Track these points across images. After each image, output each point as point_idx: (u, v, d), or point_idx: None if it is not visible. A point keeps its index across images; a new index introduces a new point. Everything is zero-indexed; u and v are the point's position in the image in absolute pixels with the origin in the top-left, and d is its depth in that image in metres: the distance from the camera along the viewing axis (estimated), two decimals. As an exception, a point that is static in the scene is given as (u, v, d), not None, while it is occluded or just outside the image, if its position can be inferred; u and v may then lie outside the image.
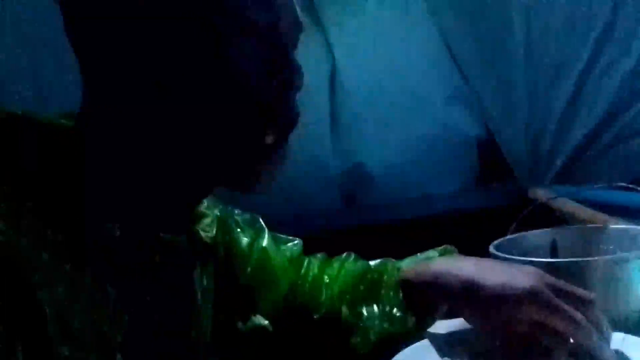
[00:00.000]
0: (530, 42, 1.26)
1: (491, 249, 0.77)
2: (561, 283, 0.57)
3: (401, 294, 0.63)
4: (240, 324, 0.65)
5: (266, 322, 0.66)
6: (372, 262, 0.69)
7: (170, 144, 0.47)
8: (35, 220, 0.42)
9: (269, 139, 0.48)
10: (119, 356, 0.44)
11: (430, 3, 1.33)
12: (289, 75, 0.48)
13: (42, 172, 0.45)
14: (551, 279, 0.57)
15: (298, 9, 0.50)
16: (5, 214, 0.41)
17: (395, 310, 0.63)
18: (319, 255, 0.74)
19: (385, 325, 0.63)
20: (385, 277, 0.65)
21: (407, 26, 1.35)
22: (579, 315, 0.54)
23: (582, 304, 0.55)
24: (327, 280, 0.69)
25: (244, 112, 0.47)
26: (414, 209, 1.28)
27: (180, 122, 0.46)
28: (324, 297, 0.68)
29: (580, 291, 0.56)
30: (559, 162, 1.32)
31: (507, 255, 0.73)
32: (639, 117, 1.22)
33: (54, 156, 0.46)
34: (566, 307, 0.54)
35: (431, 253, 0.69)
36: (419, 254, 0.70)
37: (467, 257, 0.65)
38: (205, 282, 0.56)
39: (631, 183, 0.87)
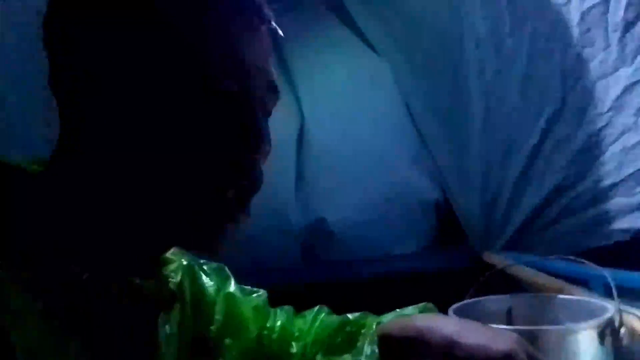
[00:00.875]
0: (487, 116, 1.33)
1: (450, 312, 0.80)
2: (536, 352, 0.60)
3: (378, 349, 0.63)
4: None
5: None
6: (350, 315, 0.68)
7: (134, 196, 0.48)
8: (7, 263, 0.42)
9: (230, 198, 0.49)
10: None
11: (395, 71, 1.40)
12: (256, 142, 0.49)
13: (11, 214, 0.45)
14: (528, 346, 0.59)
15: (274, 75, 0.51)
16: None
17: None
18: (285, 307, 0.74)
19: None
20: (364, 329, 0.65)
21: (374, 89, 1.41)
22: None
23: None
24: (298, 334, 0.69)
25: (207, 171, 0.48)
26: (373, 268, 1.31)
27: (145, 176, 0.48)
28: (295, 348, 0.68)
29: None
30: (510, 230, 1.38)
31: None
32: (585, 194, 1.29)
33: (23, 200, 0.47)
34: None
35: (411, 309, 0.70)
36: (398, 310, 0.70)
37: (447, 316, 0.66)
38: (168, 329, 0.56)
39: (578, 255, 0.93)
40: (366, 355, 0.63)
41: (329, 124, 1.37)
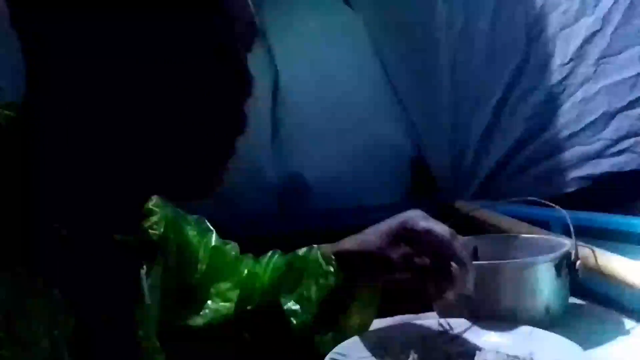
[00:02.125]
0: (455, 71, 1.36)
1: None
2: (422, 226, 0.65)
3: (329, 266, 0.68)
4: (188, 322, 0.68)
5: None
6: (299, 251, 0.72)
7: (119, 142, 0.46)
8: None
9: (220, 141, 0.49)
10: (66, 357, 0.43)
11: (369, 26, 1.41)
12: (242, 82, 0.49)
13: None
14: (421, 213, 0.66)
15: (254, 11, 0.50)
16: None
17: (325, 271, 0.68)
18: (249, 255, 0.77)
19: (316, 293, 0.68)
20: (310, 262, 0.69)
21: (348, 45, 1.43)
22: (448, 231, 0.63)
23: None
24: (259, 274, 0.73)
25: (195, 114, 0.47)
26: (347, 218, 1.35)
27: (129, 121, 0.46)
28: (256, 291, 0.71)
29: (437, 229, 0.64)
30: (479, 178, 1.43)
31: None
32: (548, 144, 1.34)
33: None
34: (434, 226, 0.63)
35: None
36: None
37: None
38: (151, 281, 0.56)
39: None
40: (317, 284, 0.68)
41: (303, 78, 1.39)
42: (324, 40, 1.42)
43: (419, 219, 0.65)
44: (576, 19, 1.24)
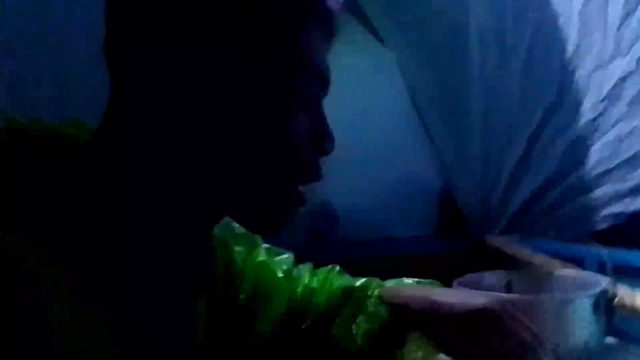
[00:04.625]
0: (487, 108, 1.37)
1: (454, 285, 0.85)
2: (516, 311, 0.60)
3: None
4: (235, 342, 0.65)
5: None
6: (357, 282, 0.69)
7: (193, 173, 0.47)
8: (43, 240, 0.41)
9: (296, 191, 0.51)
10: None
11: (401, 62, 1.43)
12: (328, 144, 0.51)
13: (48, 185, 0.44)
14: (508, 305, 0.60)
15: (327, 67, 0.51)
16: (17, 229, 0.40)
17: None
18: (306, 265, 0.75)
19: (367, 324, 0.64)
20: (369, 293, 0.66)
21: (379, 76, 1.43)
22: (531, 337, 0.57)
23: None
24: (316, 295, 0.70)
25: (279, 168, 0.48)
26: (376, 249, 1.35)
27: (205, 157, 0.46)
28: (312, 308, 0.68)
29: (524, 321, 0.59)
30: (508, 214, 1.42)
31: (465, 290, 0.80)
32: (580, 182, 1.33)
33: (61, 172, 0.45)
34: (518, 327, 0.57)
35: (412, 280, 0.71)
36: (404, 278, 0.71)
37: (439, 287, 0.68)
38: (203, 303, 0.56)
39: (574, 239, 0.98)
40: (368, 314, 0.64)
41: (333, 111, 1.39)
42: (354, 74, 1.43)
43: (506, 311, 0.60)
44: (611, 60, 1.25)
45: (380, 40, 1.47)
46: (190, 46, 0.45)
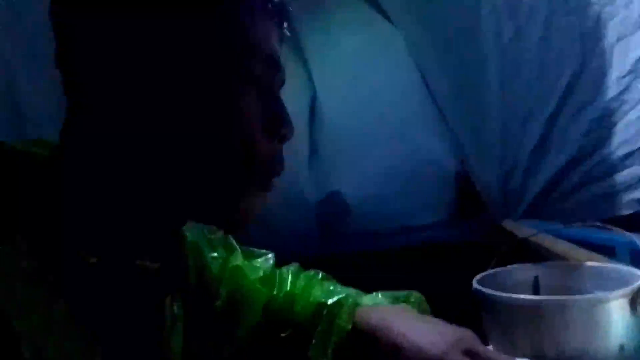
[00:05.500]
0: (504, 84, 1.30)
1: (474, 284, 0.79)
2: (480, 349, 0.58)
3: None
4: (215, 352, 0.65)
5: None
6: (330, 300, 0.68)
7: (150, 174, 0.47)
8: (9, 250, 0.42)
9: (252, 184, 0.49)
10: None
11: (410, 41, 1.37)
12: (284, 129, 0.50)
13: (15, 200, 0.45)
14: (470, 345, 0.58)
15: (277, 51, 0.51)
16: None
17: None
18: (292, 267, 0.75)
19: None
20: (337, 320, 0.66)
21: (387, 61, 1.38)
22: None
23: None
24: (298, 302, 0.70)
25: (231, 158, 0.48)
26: (391, 240, 1.30)
27: (165, 154, 0.47)
28: (292, 315, 0.69)
29: (496, 356, 0.57)
30: (528, 199, 1.36)
31: (490, 291, 0.75)
32: (603, 163, 1.27)
33: (28, 185, 0.46)
34: None
35: (390, 296, 0.70)
36: (379, 293, 0.71)
37: (406, 313, 0.66)
38: (175, 309, 0.55)
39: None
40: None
41: (341, 95, 1.35)
42: (363, 56, 1.38)
43: (476, 343, 0.59)
44: (635, 29, 1.17)
45: (388, 19, 1.40)
46: (136, 41, 0.45)
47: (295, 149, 1.29)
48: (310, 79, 1.34)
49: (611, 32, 1.20)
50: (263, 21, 0.49)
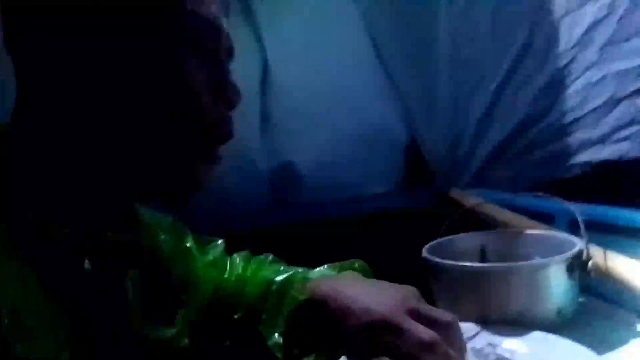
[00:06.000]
0: (454, 54, 1.32)
1: (424, 252, 0.81)
2: (423, 307, 0.59)
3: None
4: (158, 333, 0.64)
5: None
6: (279, 277, 0.69)
7: (103, 146, 0.48)
8: None
9: (200, 147, 0.50)
10: (65, 355, 0.44)
11: (363, 10, 1.35)
12: (229, 96, 0.51)
13: None
14: (413, 304, 0.59)
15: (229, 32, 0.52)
16: None
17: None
18: (243, 253, 0.76)
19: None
20: (290, 289, 0.67)
21: (338, 27, 1.36)
22: (429, 335, 0.55)
23: (440, 326, 0.57)
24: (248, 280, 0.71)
25: (180, 124, 0.49)
26: (342, 209, 1.31)
27: (113, 126, 0.47)
28: (244, 299, 0.70)
29: (439, 314, 0.58)
30: (474, 166, 1.39)
31: (439, 260, 0.77)
32: (549, 129, 1.30)
33: None
34: (416, 329, 0.55)
35: (336, 269, 0.71)
36: (326, 266, 0.72)
37: (355, 279, 0.67)
38: (132, 288, 0.55)
39: (537, 188, 0.94)
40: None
41: (293, 64, 1.32)
42: (315, 24, 1.36)
43: (420, 301, 0.60)
44: (581, 5, 1.20)
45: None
46: (76, 8, 0.45)
47: (247, 119, 1.28)
48: (261, 45, 1.31)
49: (558, 7, 1.22)
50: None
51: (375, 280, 0.67)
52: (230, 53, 0.54)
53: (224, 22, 0.52)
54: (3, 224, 0.43)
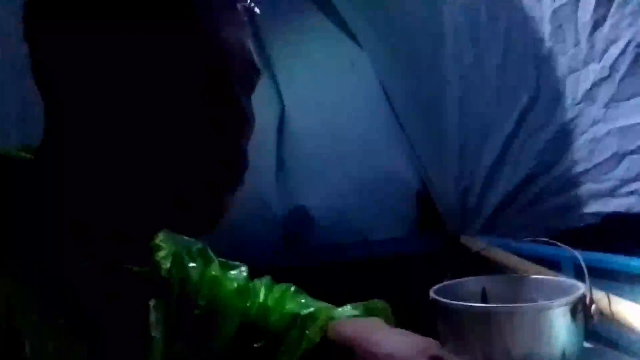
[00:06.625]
0: (463, 105, 1.36)
1: (431, 294, 0.84)
2: (445, 355, 0.64)
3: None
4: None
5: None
6: (304, 311, 0.72)
7: (125, 173, 0.48)
8: (2, 253, 0.42)
9: (218, 179, 0.49)
10: None
11: (375, 61, 1.42)
12: (239, 124, 0.50)
13: (2, 203, 0.45)
14: (436, 352, 0.64)
15: (253, 53, 0.51)
16: None
17: None
18: (264, 280, 0.78)
19: None
20: (308, 331, 0.69)
21: (353, 78, 1.43)
22: None
23: None
24: (272, 314, 0.73)
25: (194, 152, 0.48)
26: (354, 252, 1.34)
27: (133, 161, 0.47)
28: (266, 326, 0.71)
29: None
30: (484, 215, 1.42)
31: (446, 300, 0.79)
32: (557, 180, 1.33)
33: (13, 188, 0.46)
34: None
35: (361, 307, 0.74)
36: (349, 306, 0.74)
37: (378, 325, 0.70)
38: (157, 315, 0.57)
39: (550, 238, 0.97)
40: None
41: (308, 112, 1.38)
42: (330, 74, 1.42)
43: (441, 351, 0.64)
44: (585, 64, 1.25)
45: (354, 40, 1.45)
46: (116, 49, 0.45)
47: (263, 162, 1.33)
48: (278, 94, 1.38)
49: (562, 66, 1.27)
50: (240, 28, 0.49)
51: (398, 329, 0.70)
52: (254, 73, 0.52)
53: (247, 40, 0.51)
54: (24, 254, 0.43)
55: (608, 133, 1.25)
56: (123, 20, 0.45)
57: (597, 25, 1.23)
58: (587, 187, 1.29)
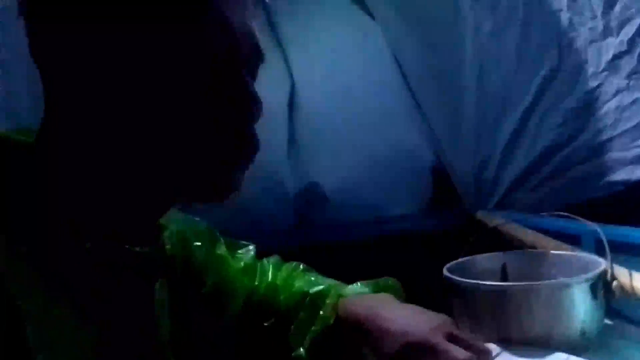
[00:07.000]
0: (482, 78, 1.32)
1: (445, 272, 0.81)
2: (459, 332, 0.62)
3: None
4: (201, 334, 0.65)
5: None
6: (313, 289, 0.71)
7: (132, 156, 0.47)
8: (3, 236, 0.42)
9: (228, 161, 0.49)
10: None
11: (389, 35, 1.38)
12: (247, 107, 0.49)
13: (2, 186, 0.45)
14: (450, 329, 0.62)
15: (258, 37, 0.50)
16: None
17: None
18: (272, 259, 0.78)
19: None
20: (327, 300, 0.69)
21: (365, 51, 1.39)
22: (466, 357, 0.58)
23: (475, 352, 0.60)
24: (281, 293, 0.72)
25: (198, 132, 0.47)
26: (367, 230, 1.32)
27: (140, 137, 0.47)
28: (275, 305, 0.71)
29: (475, 341, 0.61)
30: (501, 189, 1.39)
31: (459, 279, 0.77)
32: (580, 149, 1.30)
33: (14, 171, 0.46)
34: (454, 351, 0.59)
35: (372, 283, 0.74)
36: (359, 283, 0.74)
37: (390, 301, 0.69)
38: (160, 294, 0.56)
39: (566, 210, 0.94)
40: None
41: (320, 87, 1.35)
42: (342, 49, 1.39)
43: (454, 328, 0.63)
44: (604, 37, 1.22)
45: (368, 13, 1.40)
46: (111, 32, 0.44)
47: (274, 140, 1.30)
48: (289, 70, 1.35)
49: (583, 36, 1.24)
50: (246, 10, 0.49)
51: (410, 305, 0.69)
52: (258, 58, 0.51)
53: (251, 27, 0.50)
54: (3, 235, 0.43)
55: (634, 102, 1.21)
56: (127, 6, 0.45)
57: (609, 5, 1.20)
58: (611, 155, 1.26)
